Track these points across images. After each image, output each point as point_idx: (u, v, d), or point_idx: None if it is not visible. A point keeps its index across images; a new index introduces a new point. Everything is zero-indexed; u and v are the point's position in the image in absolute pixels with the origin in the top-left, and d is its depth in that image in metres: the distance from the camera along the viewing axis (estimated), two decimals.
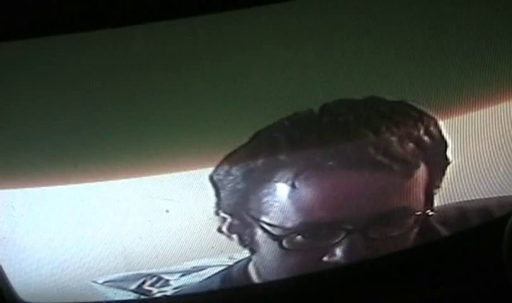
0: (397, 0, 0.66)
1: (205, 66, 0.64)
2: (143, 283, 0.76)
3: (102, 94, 0.64)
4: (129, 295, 0.76)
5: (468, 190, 0.72)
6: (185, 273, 0.76)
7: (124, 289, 0.76)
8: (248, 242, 0.71)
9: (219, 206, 0.69)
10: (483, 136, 0.70)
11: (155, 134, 0.66)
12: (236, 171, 0.66)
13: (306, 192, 0.66)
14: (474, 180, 0.72)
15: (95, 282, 0.74)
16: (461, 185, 0.72)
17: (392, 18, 0.66)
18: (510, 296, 0.75)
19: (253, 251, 0.72)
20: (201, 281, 0.74)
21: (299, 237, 0.69)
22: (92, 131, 0.65)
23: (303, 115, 0.65)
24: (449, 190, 0.72)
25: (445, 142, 0.69)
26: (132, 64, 0.63)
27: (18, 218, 0.69)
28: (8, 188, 0.67)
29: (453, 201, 0.73)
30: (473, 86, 0.67)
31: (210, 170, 0.67)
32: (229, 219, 0.70)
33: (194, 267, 0.75)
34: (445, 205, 0.73)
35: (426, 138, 0.67)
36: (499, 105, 0.69)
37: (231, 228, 0.70)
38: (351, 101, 0.66)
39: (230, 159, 0.66)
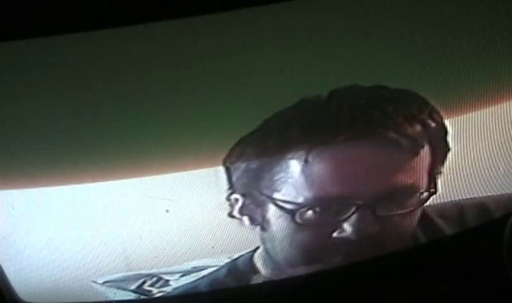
0: (397, 0, 0.66)
1: (205, 66, 0.64)
2: (143, 283, 0.76)
3: (102, 94, 0.64)
4: (129, 295, 0.76)
5: (467, 189, 0.74)
6: (185, 273, 0.76)
7: (124, 289, 0.76)
8: (259, 221, 0.72)
9: (231, 188, 0.70)
10: (483, 135, 0.71)
11: (155, 134, 0.66)
12: (249, 151, 0.68)
13: (319, 167, 0.68)
14: (473, 179, 0.73)
15: (95, 282, 0.74)
16: (461, 184, 0.73)
17: (392, 18, 0.66)
18: (510, 296, 0.75)
19: (264, 229, 0.73)
20: (207, 275, 0.75)
21: (310, 212, 0.70)
22: (92, 131, 0.65)
23: (311, 100, 0.66)
24: (449, 189, 0.73)
25: (446, 128, 0.71)
26: (132, 64, 0.63)
27: (18, 218, 0.69)
28: (8, 189, 0.67)
29: (454, 198, 0.75)
30: (474, 85, 0.68)
31: (211, 170, 0.68)
32: (241, 201, 0.70)
33: (194, 268, 0.75)
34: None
35: (430, 121, 0.70)
36: (499, 105, 0.70)
37: (242, 210, 0.71)
38: (358, 88, 0.67)
39: (243, 141, 0.67)
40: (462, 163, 0.72)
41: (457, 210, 0.76)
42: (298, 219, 0.71)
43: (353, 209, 0.70)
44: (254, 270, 0.76)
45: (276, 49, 0.65)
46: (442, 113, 0.69)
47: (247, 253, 0.75)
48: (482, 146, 0.72)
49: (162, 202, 0.69)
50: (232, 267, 0.75)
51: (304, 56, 0.65)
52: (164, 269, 0.75)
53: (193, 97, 0.65)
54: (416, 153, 0.70)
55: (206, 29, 0.62)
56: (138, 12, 0.60)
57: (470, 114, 0.69)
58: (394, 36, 0.66)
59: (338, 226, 0.71)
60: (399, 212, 0.73)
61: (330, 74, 0.67)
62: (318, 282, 0.76)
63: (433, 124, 0.70)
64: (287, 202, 0.70)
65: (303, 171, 0.68)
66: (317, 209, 0.70)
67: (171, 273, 0.75)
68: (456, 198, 0.74)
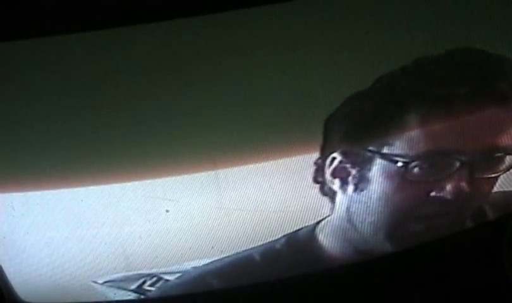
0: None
1: (205, 66, 0.64)
2: (143, 283, 0.76)
3: (103, 95, 0.64)
4: (129, 295, 0.76)
5: None
6: (185, 273, 0.76)
7: (124, 289, 0.76)
8: (355, 181, 0.72)
9: (328, 148, 0.70)
10: None
11: (156, 136, 0.66)
12: (365, 105, 0.69)
13: (435, 121, 0.70)
14: None
15: (95, 282, 0.74)
16: None
17: (392, 17, 0.66)
18: (510, 296, 0.75)
19: (357, 190, 0.73)
20: (266, 243, 0.75)
21: (416, 168, 0.71)
22: (92, 133, 0.65)
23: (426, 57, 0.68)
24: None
25: None
26: (132, 65, 0.63)
27: (18, 218, 0.69)
28: (9, 192, 0.67)
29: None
30: None
31: (211, 172, 0.68)
32: (338, 160, 0.71)
33: (194, 268, 0.75)
34: None
35: None
36: None
37: (336, 171, 0.71)
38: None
39: (357, 97, 0.68)
40: None
41: (504, 196, 0.78)
42: (405, 175, 0.72)
43: (457, 166, 0.72)
44: (315, 241, 0.76)
45: (276, 49, 0.65)
46: None
47: (307, 226, 0.75)
48: None
49: (162, 202, 0.69)
50: (292, 238, 0.75)
51: (304, 56, 0.65)
52: (164, 269, 0.75)
53: (193, 98, 0.65)
54: None
55: (206, 29, 0.62)
56: (138, 12, 0.60)
57: None
58: (394, 34, 0.66)
59: (438, 184, 0.73)
60: (489, 176, 0.74)
61: (331, 73, 0.67)
62: (321, 281, 0.76)
63: None
64: (398, 156, 0.71)
65: (420, 125, 0.70)
66: (425, 165, 0.71)
67: (171, 273, 0.75)
68: None
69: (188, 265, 0.74)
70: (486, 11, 0.67)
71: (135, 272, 0.74)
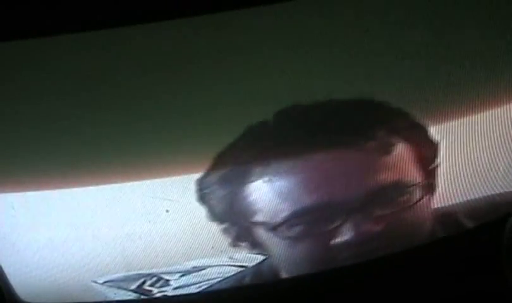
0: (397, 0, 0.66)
1: (205, 67, 0.64)
2: (143, 283, 0.76)
3: (103, 96, 0.64)
4: (129, 295, 0.76)
5: (470, 189, 0.73)
6: (185, 273, 0.76)
7: (124, 289, 0.76)
8: (258, 244, 0.72)
9: (219, 220, 0.70)
10: (482, 136, 0.71)
11: (156, 136, 0.66)
12: (213, 181, 0.68)
13: (285, 182, 0.68)
14: (475, 179, 0.73)
15: (95, 282, 0.74)
16: (462, 185, 0.73)
17: (392, 17, 0.66)
18: (509, 296, 0.75)
19: (266, 250, 0.72)
20: (233, 275, 0.75)
21: (297, 226, 0.69)
22: (93, 134, 0.65)
23: (258, 125, 0.66)
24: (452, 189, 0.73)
25: (425, 127, 0.69)
26: (132, 65, 0.63)
27: (18, 217, 0.69)
28: (9, 192, 0.67)
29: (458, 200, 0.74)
30: (474, 86, 0.68)
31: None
32: (232, 229, 0.71)
33: (194, 268, 0.75)
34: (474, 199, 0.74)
35: (397, 125, 0.69)
36: (500, 107, 0.70)
37: (239, 237, 0.71)
38: (301, 106, 0.66)
39: (203, 177, 0.67)
40: (461, 164, 0.72)
41: (489, 208, 0.75)
42: (288, 235, 0.70)
43: (343, 216, 0.69)
44: (276, 273, 0.75)
45: (276, 49, 0.65)
46: (440, 116, 0.68)
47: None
48: (482, 147, 0.72)
49: (162, 202, 0.69)
50: (257, 271, 0.75)
51: (304, 56, 0.65)
52: (164, 269, 0.75)
53: (193, 98, 0.65)
54: (389, 153, 0.68)
55: (206, 29, 0.62)
56: (138, 12, 0.60)
57: (470, 117, 0.69)
58: (393, 35, 0.66)
59: (334, 233, 0.70)
60: (398, 209, 0.71)
61: (331, 74, 0.67)
62: (317, 282, 0.76)
63: (403, 127, 0.68)
64: (268, 222, 0.69)
65: (272, 189, 0.68)
66: (301, 221, 0.69)
67: (171, 273, 0.76)
68: (460, 200, 0.74)
69: (188, 265, 0.75)
70: (486, 11, 0.67)
71: (135, 272, 0.75)
